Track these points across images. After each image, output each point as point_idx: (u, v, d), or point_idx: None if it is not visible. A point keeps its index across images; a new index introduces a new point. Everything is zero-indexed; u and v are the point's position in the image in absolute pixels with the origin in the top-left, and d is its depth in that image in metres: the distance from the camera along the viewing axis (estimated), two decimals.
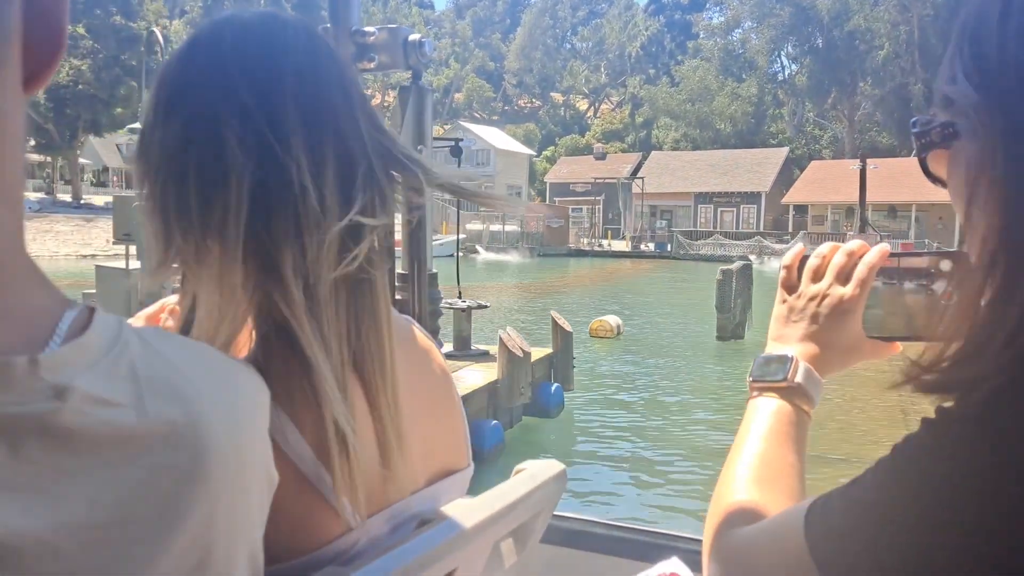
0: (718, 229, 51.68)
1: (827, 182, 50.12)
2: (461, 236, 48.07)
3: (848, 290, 0.85)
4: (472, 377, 9.24)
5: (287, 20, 0.82)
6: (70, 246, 38.22)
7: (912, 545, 0.56)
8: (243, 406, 0.56)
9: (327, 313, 0.78)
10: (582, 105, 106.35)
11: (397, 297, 1.70)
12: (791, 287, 0.90)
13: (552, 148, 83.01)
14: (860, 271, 0.85)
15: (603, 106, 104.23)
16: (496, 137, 71.41)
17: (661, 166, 57.94)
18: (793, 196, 51.22)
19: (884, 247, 0.86)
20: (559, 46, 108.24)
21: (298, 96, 0.77)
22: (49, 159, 55.00)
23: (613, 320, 15.74)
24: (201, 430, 0.49)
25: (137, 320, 1.04)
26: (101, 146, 62.73)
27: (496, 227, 50.46)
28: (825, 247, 0.89)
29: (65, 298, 0.49)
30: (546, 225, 49.79)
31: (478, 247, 48.08)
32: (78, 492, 0.43)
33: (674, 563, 1.18)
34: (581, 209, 56.30)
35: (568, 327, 11.01)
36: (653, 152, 62.73)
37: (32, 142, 49.51)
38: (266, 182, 0.75)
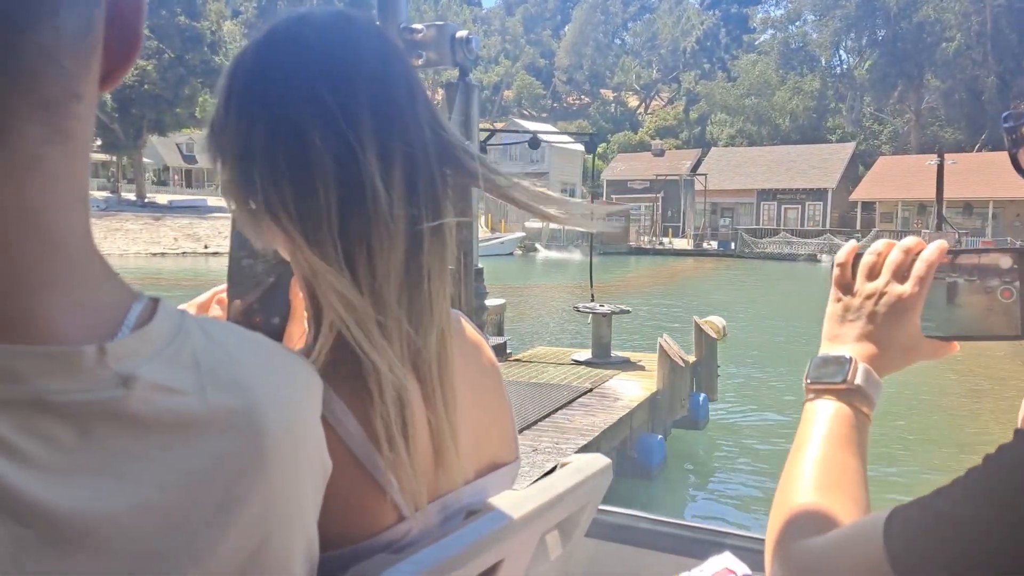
0: (782, 227, 50.48)
1: (896, 178, 48.65)
2: (519, 234, 47.97)
3: (907, 288, 0.83)
4: (629, 388, 8.72)
5: (358, 19, 0.82)
6: (140, 244, 38.69)
7: (1002, 564, 0.55)
8: (298, 396, 0.57)
9: (390, 310, 0.79)
10: (633, 102, 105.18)
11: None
12: (845, 285, 0.87)
13: (604, 145, 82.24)
14: (919, 268, 0.83)
15: (653, 102, 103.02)
16: (549, 133, 70.85)
17: (722, 162, 56.88)
18: (861, 192, 49.83)
19: (942, 243, 0.83)
20: (610, 42, 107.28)
21: (371, 98, 0.78)
22: (113, 158, 55.90)
23: (719, 321, 15.13)
24: (259, 417, 0.51)
25: (189, 308, 1.05)
26: (161, 145, 63.66)
27: (556, 224, 49.92)
28: (880, 244, 0.86)
29: (132, 291, 0.51)
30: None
31: (537, 245, 47.67)
32: (148, 476, 0.45)
33: (727, 558, 1.14)
34: (639, 207, 55.49)
35: (713, 333, 10.41)
36: (713, 148, 61.69)
37: (98, 141, 50.41)
38: (344, 183, 0.76)
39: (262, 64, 0.79)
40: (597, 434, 7.02)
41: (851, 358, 0.83)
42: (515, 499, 0.94)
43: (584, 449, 6.33)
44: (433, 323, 0.83)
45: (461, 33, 1.49)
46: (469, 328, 0.99)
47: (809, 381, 0.85)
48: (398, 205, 0.78)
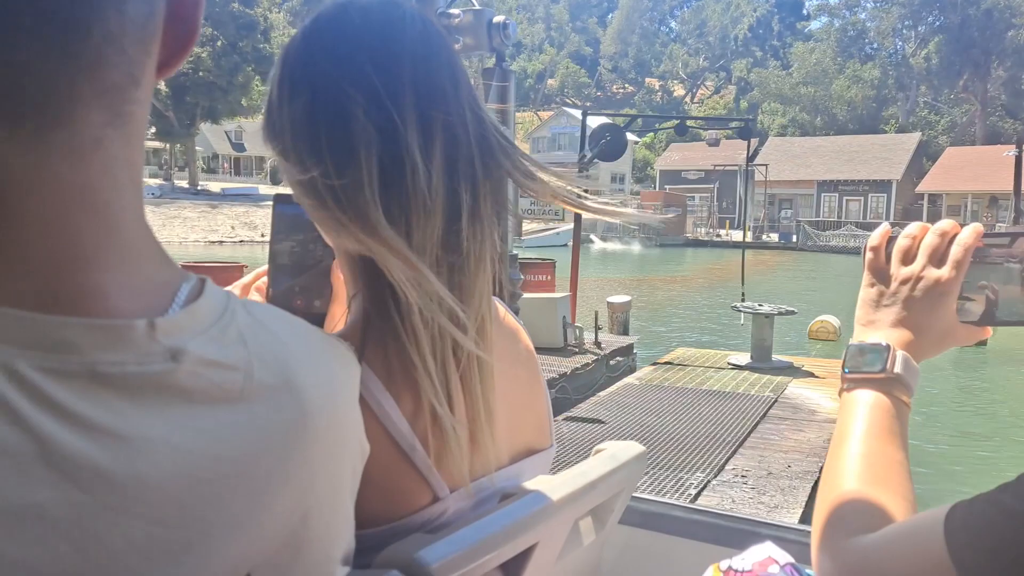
0: (843, 219, 49.07)
1: (965, 169, 46.93)
2: (567, 227, 47.11)
3: (944, 272, 0.81)
4: (815, 398, 7.84)
5: (403, 6, 0.84)
6: (198, 232, 38.57)
7: None
8: (337, 379, 0.59)
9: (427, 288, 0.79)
10: (679, 91, 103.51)
11: None
12: (879, 270, 0.85)
13: (651, 135, 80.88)
14: (956, 252, 0.81)
15: (699, 91, 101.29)
16: (600, 123, 69.79)
17: (780, 152, 55.43)
18: (928, 184, 48.17)
19: (978, 227, 0.82)
20: (656, 29, 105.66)
21: (414, 79, 0.80)
22: (166, 146, 56.05)
23: (834, 321, 14.26)
24: (302, 396, 0.53)
25: (234, 290, 1.07)
26: (211, 133, 63.77)
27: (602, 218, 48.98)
28: (914, 227, 0.85)
29: (182, 271, 0.53)
30: (664, 214, 47.91)
31: (592, 236, 46.80)
32: (199, 446, 0.47)
33: (768, 547, 1.12)
34: (694, 197, 54.34)
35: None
36: (770, 138, 60.18)
37: (152, 129, 50.50)
38: (385, 159, 0.78)
39: (310, 47, 0.81)
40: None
41: (889, 346, 0.80)
42: (550, 483, 0.94)
43: None
44: (472, 303, 0.83)
45: (498, 18, 1.47)
46: (507, 314, 0.99)
47: (846, 371, 0.82)
48: (437, 180, 0.79)
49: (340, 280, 0.90)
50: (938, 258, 0.82)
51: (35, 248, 0.45)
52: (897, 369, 0.79)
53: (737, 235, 49.59)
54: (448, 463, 0.81)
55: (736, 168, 53.71)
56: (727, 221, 53.04)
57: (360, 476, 0.63)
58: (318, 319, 0.93)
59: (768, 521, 1.40)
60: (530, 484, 0.93)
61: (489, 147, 0.84)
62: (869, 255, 0.86)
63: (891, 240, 0.85)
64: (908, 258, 0.83)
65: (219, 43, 47.40)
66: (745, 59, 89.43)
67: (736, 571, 1.09)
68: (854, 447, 0.78)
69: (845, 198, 51.62)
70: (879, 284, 0.84)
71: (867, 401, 0.80)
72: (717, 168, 53.31)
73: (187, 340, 0.48)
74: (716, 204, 53.82)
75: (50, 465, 0.41)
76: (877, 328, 0.83)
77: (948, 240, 0.82)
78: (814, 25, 77.18)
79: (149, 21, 0.48)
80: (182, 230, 38.35)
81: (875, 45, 68.49)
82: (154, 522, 0.44)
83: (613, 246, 45.34)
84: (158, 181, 52.27)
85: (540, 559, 0.92)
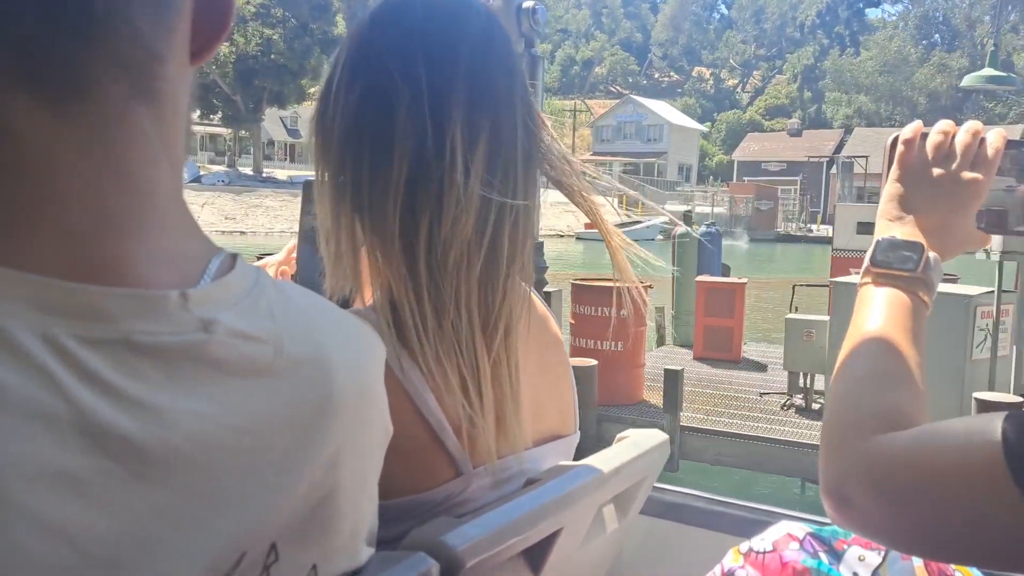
0: None
1: None
2: (661, 220, 45.01)
3: (978, 175, 0.79)
4: None
5: (471, 2, 0.86)
6: (282, 222, 36.72)
7: None
8: (364, 358, 0.59)
9: (455, 279, 0.82)
10: (731, 79, 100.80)
11: None
12: (910, 165, 0.81)
13: (709, 124, 78.50)
14: (990, 154, 0.79)
15: (750, 81, 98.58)
16: (669, 112, 67.53)
17: (869, 144, 52.84)
18: None
19: (1002, 131, 0.81)
20: (709, 16, 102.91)
21: (469, 74, 0.81)
22: (230, 131, 54.36)
23: None
24: (330, 371, 0.54)
25: (267, 268, 1.12)
26: (267, 119, 62.02)
27: (703, 208, 46.81)
28: (945, 123, 0.82)
29: (214, 245, 0.54)
30: (755, 207, 45.78)
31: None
32: (228, 417, 0.48)
33: (784, 525, 1.12)
34: (790, 190, 51.99)
35: None
36: (857, 129, 57.60)
37: (219, 114, 48.80)
38: (422, 152, 0.80)
39: (372, 37, 0.83)
40: None
41: (923, 245, 0.78)
42: (574, 469, 0.95)
43: None
44: (503, 293, 0.85)
45: (528, 3, 1.47)
46: (537, 301, 0.99)
47: (873, 264, 0.79)
48: (475, 178, 0.81)
49: (365, 262, 0.88)
50: (971, 159, 0.79)
51: (66, 217, 0.46)
52: (929, 270, 0.78)
53: (827, 230, 47.31)
54: (475, 440, 0.84)
55: (822, 160, 51.37)
56: (818, 216, 50.68)
57: (383, 458, 0.63)
58: (345, 299, 0.94)
59: (788, 512, 1.34)
60: (554, 469, 0.94)
61: (533, 153, 0.87)
62: (901, 148, 0.82)
63: (924, 137, 0.81)
64: (941, 155, 0.80)
65: (291, 23, 45.54)
66: (811, 46, 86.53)
67: (757, 552, 1.09)
68: (874, 345, 0.75)
69: None
70: (909, 180, 0.81)
71: (890, 299, 0.77)
72: (812, 159, 50.94)
73: (219, 311, 0.49)
74: (800, 197, 51.39)
75: (84, 434, 0.42)
76: (904, 224, 0.80)
77: (979, 140, 0.79)
78: (887, 11, 74.39)
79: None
80: (265, 220, 36.57)
81: (958, 33, 65.49)
82: (181, 490, 0.45)
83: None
84: (223, 167, 50.58)
85: (564, 545, 0.92)
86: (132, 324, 0.45)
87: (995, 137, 0.79)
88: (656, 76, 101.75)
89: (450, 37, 0.82)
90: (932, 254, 0.78)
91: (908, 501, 0.64)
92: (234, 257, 0.54)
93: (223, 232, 32.37)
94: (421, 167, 0.80)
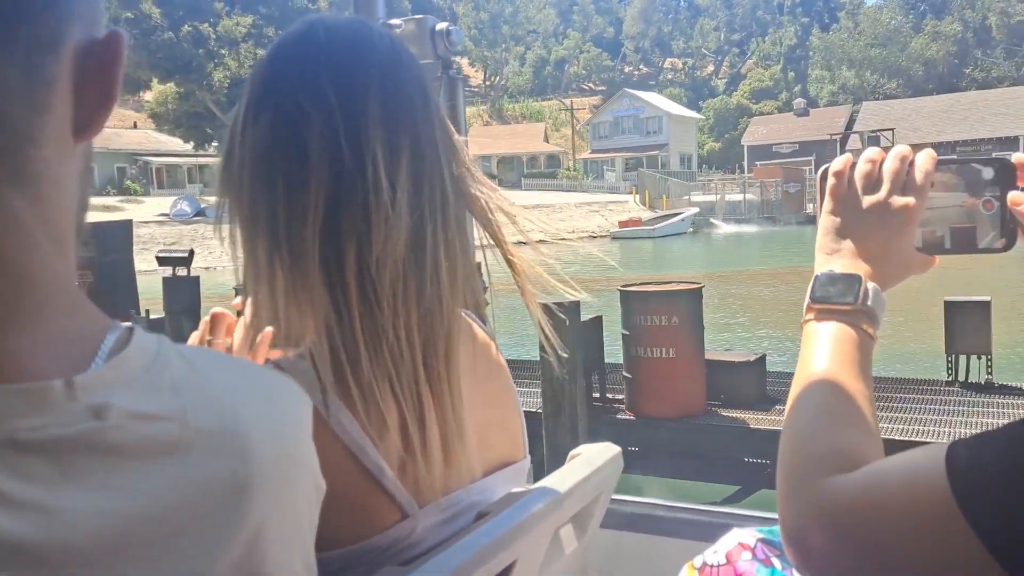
0: None
1: None
2: (694, 210, 43.76)
3: (910, 199, 0.78)
4: None
5: (371, 25, 0.86)
6: None
7: None
8: (286, 418, 0.56)
9: (391, 306, 0.79)
10: (706, 68, 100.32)
11: None
12: (841, 196, 0.81)
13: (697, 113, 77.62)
14: (920, 178, 0.78)
15: (723, 67, 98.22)
16: (665, 103, 66.40)
17: (880, 116, 52.22)
18: None
19: (932, 152, 0.80)
20: (677, 4, 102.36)
21: (381, 92, 0.80)
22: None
23: None
24: (244, 441, 0.50)
25: (192, 340, 1.04)
26: None
27: (735, 196, 45.59)
28: (873, 151, 0.81)
29: (109, 321, 0.51)
30: (783, 191, 44.66)
31: (713, 220, 43.34)
32: (131, 507, 0.44)
33: (735, 533, 1.13)
34: (804, 171, 50.99)
35: None
36: (865, 103, 56.94)
37: (214, 142, 46.48)
38: (341, 175, 0.77)
39: (268, 71, 0.82)
40: None
41: (860, 277, 0.78)
42: (526, 496, 0.93)
43: None
44: (443, 319, 0.83)
45: (441, 26, 1.47)
46: (477, 328, 0.98)
47: (813, 300, 0.79)
48: (401, 196, 0.79)
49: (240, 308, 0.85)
50: (901, 184, 0.79)
51: None
52: (868, 301, 0.77)
53: None
54: (420, 479, 0.81)
55: (834, 138, 50.50)
56: None
57: (317, 515, 0.59)
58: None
59: (750, 513, 1.34)
60: (505, 499, 0.92)
61: (457, 170, 0.86)
62: (832, 180, 0.81)
63: (853, 167, 0.81)
64: (871, 184, 0.80)
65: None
66: (792, 26, 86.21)
67: (711, 565, 1.09)
68: (822, 383, 0.74)
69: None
70: (842, 211, 0.80)
71: (833, 334, 0.77)
72: (833, 136, 49.96)
73: (111, 394, 0.46)
74: (810, 177, 50.31)
75: None
76: (841, 257, 0.80)
77: (908, 164, 0.79)
78: None
79: (35, 81, 0.47)
80: None
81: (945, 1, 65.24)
82: None
83: (733, 228, 41.78)
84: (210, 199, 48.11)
85: (521, 575, 0.90)
86: (14, 422, 0.43)
87: (924, 159, 0.78)
88: (628, 70, 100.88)
89: (357, 58, 0.81)
90: (871, 284, 0.77)
91: (868, 544, 0.62)
92: (131, 330, 0.51)
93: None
94: (341, 190, 0.77)
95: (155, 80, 45.60)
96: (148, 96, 53.30)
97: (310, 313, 0.79)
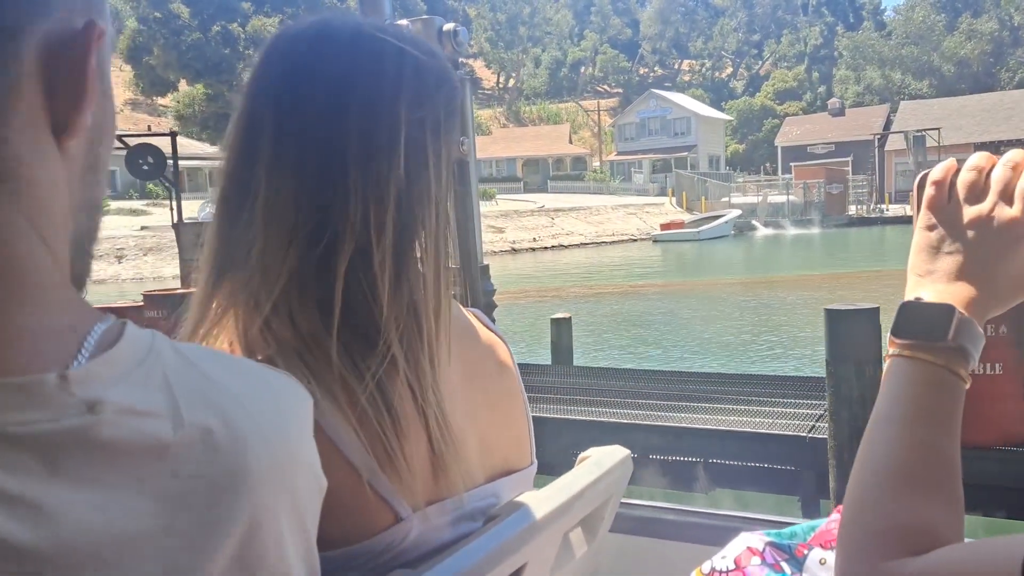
0: None
1: None
2: (735, 213, 42.57)
3: (1017, 211, 0.68)
4: None
5: (362, 27, 0.84)
6: None
7: None
8: (283, 414, 0.55)
9: (371, 308, 0.79)
10: (726, 69, 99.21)
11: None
12: (941, 209, 0.71)
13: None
14: None
15: (741, 69, 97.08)
16: (693, 104, 65.30)
17: (919, 117, 51.03)
18: None
19: None
20: (695, 5, 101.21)
21: (365, 100, 0.80)
22: None
23: None
24: (239, 438, 0.49)
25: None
26: None
27: (778, 198, 44.42)
28: (980, 157, 0.71)
29: (98, 313, 0.51)
30: (826, 192, 43.51)
31: (754, 222, 42.18)
32: (123, 504, 0.44)
33: (743, 538, 1.11)
34: (843, 172, 49.83)
35: None
36: (903, 103, 55.74)
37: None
38: (304, 182, 0.79)
39: (255, 79, 0.83)
40: None
41: (952, 307, 0.66)
42: (535, 499, 0.92)
43: None
44: (415, 319, 0.81)
45: (448, 26, 1.48)
46: (483, 329, 0.96)
47: (895, 335, 0.68)
48: (376, 209, 0.79)
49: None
50: (1010, 194, 0.68)
51: None
52: (959, 338, 0.65)
53: (902, 209, 45.11)
54: (412, 482, 0.79)
55: (871, 138, 49.32)
56: (886, 196, 48.46)
57: (319, 513, 0.59)
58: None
59: (756, 517, 1.35)
60: (514, 502, 0.91)
61: (424, 160, 0.83)
62: (930, 190, 0.71)
63: (956, 175, 0.71)
64: (975, 195, 0.69)
65: None
66: (816, 26, 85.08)
67: (719, 571, 1.09)
68: (896, 435, 0.64)
69: None
70: (941, 226, 0.70)
71: (916, 375, 0.66)
72: (877, 136, 48.72)
73: (105, 388, 0.45)
74: (870, 178, 49.17)
75: None
76: (936, 280, 0.69)
77: (1020, 172, 0.69)
78: None
79: None
80: None
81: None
82: None
83: (778, 231, 40.58)
84: None
85: None
86: (5, 416, 0.42)
87: None
88: (644, 72, 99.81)
89: (334, 62, 0.81)
90: (966, 318, 0.66)
91: None
92: (124, 324, 0.51)
93: None
94: (307, 194, 0.78)
95: (183, 82, 44.58)
96: (165, 101, 52.73)
97: (287, 313, 0.78)
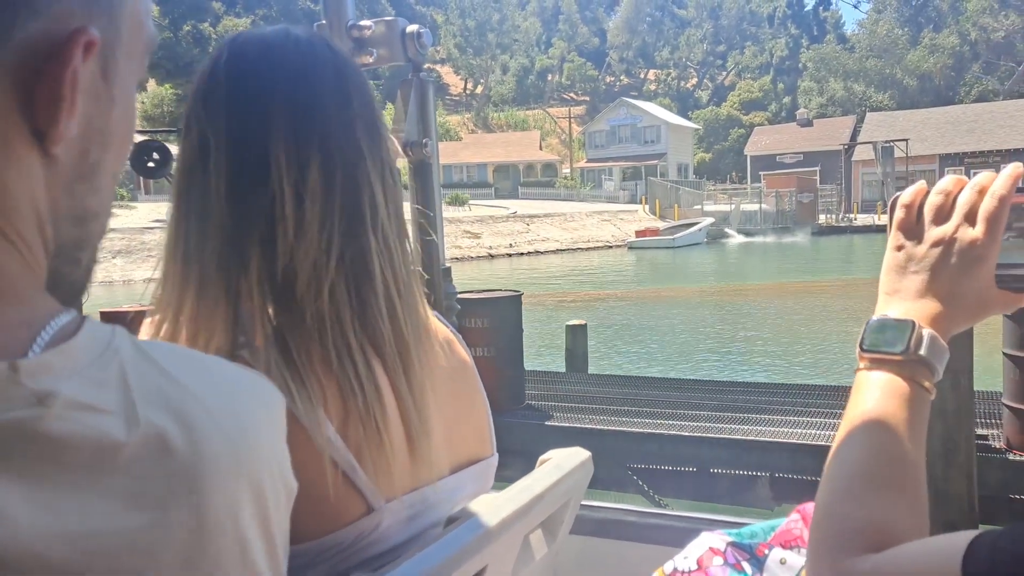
0: None
1: None
2: (708, 220, 42.85)
3: (978, 232, 0.71)
4: None
5: (291, 33, 0.86)
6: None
7: None
8: (248, 414, 0.53)
9: (319, 305, 0.80)
10: (691, 79, 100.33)
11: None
12: (909, 230, 0.74)
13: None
14: (988, 206, 0.70)
15: (706, 79, 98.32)
16: (663, 112, 65.77)
17: (884, 128, 52.02)
18: None
19: (1018, 168, 0.71)
20: (662, 16, 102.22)
21: (289, 103, 0.81)
22: None
23: None
24: (197, 439, 0.48)
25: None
26: None
27: (750, 206, 44.82)
28: (949, 181, 0.74)
29: (56, 307, 0.50)
30: (797, 200, 44.08)
31: (727, 230, 42.52)
32: (69, 503, 0.42)
33: (704, 538, 1.13)
34: (812, 182, 50.50)
35: None
36: (869, 114, 56.72)
37: None
38: (245, 189, 0.80)
39: (197, 84, 0.85)
40: None
41: (914, 323, 0.70)
42: (495, 502, 0.92)
43: None
44: (379, 310, 0.83)
45: (411, 28, 1.47)
46: (439, 324, 1.00)
47: (863, 348, 0.72)
48: (311, 206, 0.80)
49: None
50: (975, 216, 0.71)
51: None
52: (922, 351, 0.69)
53: (870, 219, 45.91)
54: (383, 473, 0.81)
55: (839, 148, 50.16)
56: (854, 205, 49.28)
57: (288, 515, 0.56)
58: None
59: (714, 518, 1.34)
60: (474, 505, 0.91)
61: (384, 163, 0.86)
62: (900, 213, 0.75)
63: (925, 197, 0.74)
64: (941, 217, 0.73)
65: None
66: (782, 38, 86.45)
67: (681, 571, 1.09)
68: (864, 442, 0.68)
69: (972, 171, 47.55)
70: (908, 247, 0.74)
71: (882, 386, 0.70)
72: (845, 146, 49.54)
73: (57, 381, 0.44)
74: (838, 187, 49.95)
75: None
76: (903, 298, 0.73)
77: (986, 195, 0.71)
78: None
79: None
80: None
81: (942, 13, 65.57)
82: None
83: (750, 239, 40.94)
84: None
85: None
86: None
87: (1001, 183, 0.70)
88: (611, 80, 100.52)
89: (259, 71, 0.83)
90: (928, 332, 0.70)
91: None
92: (83, 318, 0.50)
93: None
94: (244, 197, 0.80)
95: (152, 82, 43.67)
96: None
97: (252, 308, 0.80)
